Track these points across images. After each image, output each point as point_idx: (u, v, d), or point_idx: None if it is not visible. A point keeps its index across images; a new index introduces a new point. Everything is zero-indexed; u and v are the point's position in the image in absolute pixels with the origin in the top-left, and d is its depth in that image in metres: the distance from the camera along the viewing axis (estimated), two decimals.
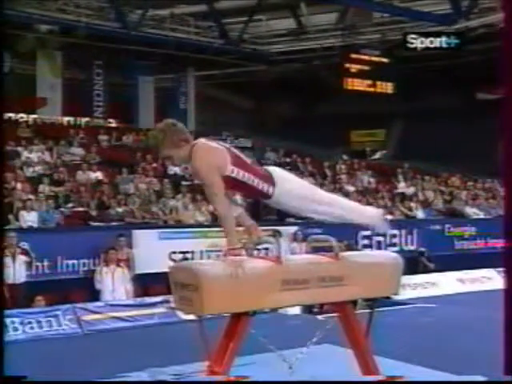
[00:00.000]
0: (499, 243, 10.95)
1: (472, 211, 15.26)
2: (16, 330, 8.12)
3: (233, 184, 3.48)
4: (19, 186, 11.43)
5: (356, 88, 18.57)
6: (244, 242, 3.58)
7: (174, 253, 10.41)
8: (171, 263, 8.90)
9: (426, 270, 12.32)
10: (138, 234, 10.39)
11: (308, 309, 8.86)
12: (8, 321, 8.05)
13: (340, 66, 18.59)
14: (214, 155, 3.47)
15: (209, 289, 3.30)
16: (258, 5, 19.06)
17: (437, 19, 17.67)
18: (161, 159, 3.53)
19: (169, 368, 5.93)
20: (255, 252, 3.80)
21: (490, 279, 11.72)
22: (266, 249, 6.93)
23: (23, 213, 10.40)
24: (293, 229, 11.56)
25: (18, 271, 8.97)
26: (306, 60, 20.03)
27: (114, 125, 20.07)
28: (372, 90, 18.85)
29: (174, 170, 14.64)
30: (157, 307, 9.07)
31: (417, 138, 19.28)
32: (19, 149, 13.77)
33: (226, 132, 19.03)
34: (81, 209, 11.40)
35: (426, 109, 19.18)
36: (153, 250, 10.20)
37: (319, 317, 8.22)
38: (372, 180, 16.69)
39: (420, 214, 14.69)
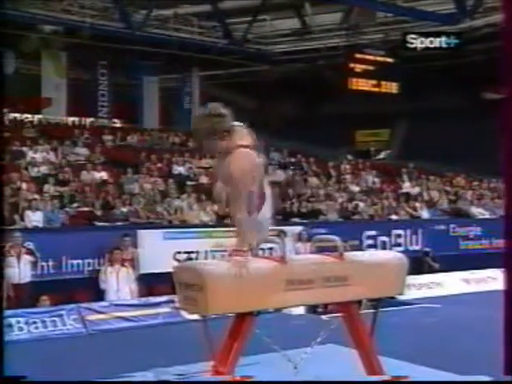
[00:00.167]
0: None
1: (477, 211, 15.22)
2: (21, 329, 8.14)
3: None
4: (24, 185, 11.47)
5: (360, 88, 18.56)
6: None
7: (179, 253, 10.41)
8: (176, 263, 8.91)
9: (431, 270, 12.29)
10: (143, 234, 10.40)
11: (312, 309, 8.85)
12: (13, 320, 8.08)
13: (344, 66, 18.57)
14: (255, 166, 3.45)
15: (213, 289, 3.31)
16: (262, 5, 19.07)
17: (441, 19, 17.64)
18: (197, 143, 3.38)
19: (173, 368, 5.93)
20: (260, 252, 3.80)
21: (495, 279, 11.67)
22: (271, 249, 6.94)
23: (28, 213, 10.43)
24: (297, 229, 11.55)
25: (23, 271, 8.99)
26: (311, 60, 20.02)
27: (118, 125, 20.12)
28: (376, 89, 18.83)
29: (178, 169, 14.66)
30: (161, 307, 9.07)
31: (421, 138, 19.23)
32: (24, 149, 13.81)
33: None
34: (86, 209, 11.42)
35: (430, 109, 19.14)
36: (157, 250, 10.21)
37: (323, 317, 8.21)
38: (377, 180, 16.67)
39: (425, 214, 14.67)
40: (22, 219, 10.37)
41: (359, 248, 10.93)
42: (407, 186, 16.37)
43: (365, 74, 18.62)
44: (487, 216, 15.00)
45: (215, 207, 11.39)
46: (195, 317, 3.48)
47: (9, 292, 8.75)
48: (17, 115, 18.03)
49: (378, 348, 3.85)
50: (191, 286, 3.41)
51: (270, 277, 3.46)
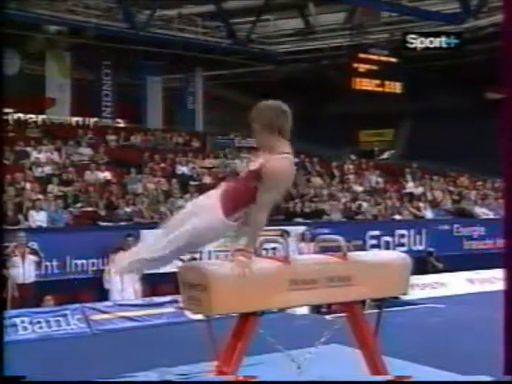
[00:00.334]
0: None
1: (481, 211, 15.19)
2: (25, 329, 8.16)
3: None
4: (28, 185, 11.50)
5: (364, 88, 18.55)
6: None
7: None
8: (179, 263, 8.91)
9: (435, 270, 12.27)
10: (147, 234, 10.39)
11: (316, 309, 8.85)
12: (17, 320, 8.10)
13: (348, 66, 18.57)
14: (291, 177, 3.40)
15: (217, 289, 3.31)
16: (265, 5, 19.07)
17: (445, 18, 17.63)
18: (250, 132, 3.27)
19: (177, 368, 5.94)
20: (263, 252, 3.80)
21: (500, 280, 11.65)
22: (274, 249, 6.94)
23: (32, 212, 10.45)
24: (301, 229, 11.55)
25: (27, 271, 9.01)
26: (314, 60, 20.01)
27: (122, 125, 20.15)
28: (380, 89, 18.82)
29: (182, 169, 14.68)
30: (165, 307, 9.08)
31: (425, 138, 19.21)
32: (28, 149, 13.85)
33: (233, 132, 19.05)
34: (89, 209, 11.45)
35: (434, 108, 19.12)
36: None
37: (327, 317, 8.21)
38: (380, 180, 16.65)
39: (428, 214, 14.65)
40: (26, 219, 10.39)
41: (363, 248, 10.93)
42: (411, 186, 16.35)
43: (368, 74, 18.61)
44: (491, 216, 14.96)
45: None
46: (199, 317, 3.48)
47: (13, 292, 8.79)
48: (21, 115, 18.07)
49: (381, 348, 3.85)
50: (195, 286, 3.41)
51: (274, 277, 3.46)
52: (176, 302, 8.53)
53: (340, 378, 3.85)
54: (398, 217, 14.11)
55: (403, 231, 13.14)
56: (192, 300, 3.47)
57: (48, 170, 13.01)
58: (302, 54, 19.97)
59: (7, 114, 17.28)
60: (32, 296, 8.99)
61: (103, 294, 9.58)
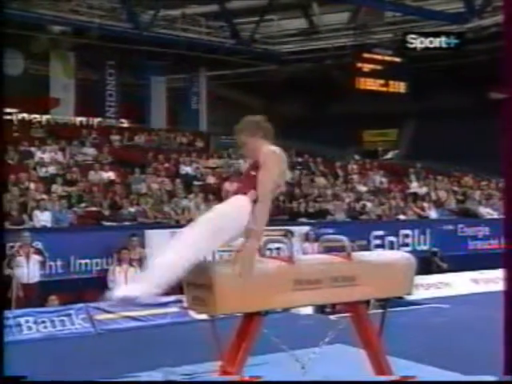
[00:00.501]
0: None
1: (485, 211, 15.15)
2: (30, 329, 8.17)
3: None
4: (33, 185, 11.52)
5: (368, 87, 18.52)
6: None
7: None
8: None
9: (439, 270, 12.25)
10: (151, 234, 10.41)
11: (320, 309, 8.85)
12: (22, 320, 8.12)
13: (352, 66, 18.54)
14: (284, 158, 3.60)
15: (221, 289, 3.31)
16: (269, 4, 19.06)
17: (449, 18, 17.59)
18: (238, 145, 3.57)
19: (181, 368, 5.94)
20: (267, 252, 3.80)
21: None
22: (278, 249, 6.94)
23: (37, 212, 10.47)
24: (305, 229, 11.54)
25: (31, 271, 9.03)
26: (318, 60, 19.99)
27: (126, 125, 20.17)
28: (384, 89, 18.79)
29: (185, 169, 14.69)
30: (169, 307, 9.08)
31: (429, 138, 19.18)
32: (32, 149, 13.88)
33: None
34: (93, 208, 11.46)
35: (438, 108, 19.08)
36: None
37: (331, 317, 8.21)
38: (384, 180, 16.63)
39: (433, 214, 14.62)
40: (31, 219, 10.42)
41: (367, 248, 10.91)
42: (415, 186, 16.33)
43: (372, 74, 18.58)
44: (495, 216, 14.93)
45: None
46: (203, 317, 3.49)
47: (18, 292, 8.81)
48: (25, 115, 18.11)
49: (386, 348, 3.85)
50: (199, 285, 3.42)
51: (278, 277, 3.47)
52: (180, 301, 8.52)
53: (344, 378, 3.85)
54: (402, 217, 14.09)
55: (407, 231, 13.12)
56: (196, 300, 3.48)
57: (52, 169, 13.03)
58: (306, 54, 19.95)
59: (11, 114, 17.33)
60: (36, 296, 9.01)
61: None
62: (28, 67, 18.23)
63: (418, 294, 7.62)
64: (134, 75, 20.47)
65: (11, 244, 8.97)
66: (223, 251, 10.30)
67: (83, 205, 11.49)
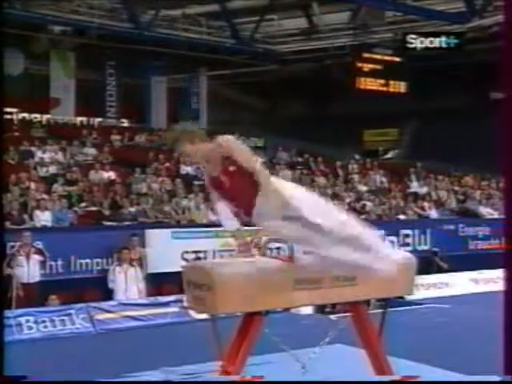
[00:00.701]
0: None
1: (486, 211, 15.15)
2: (30, 328, 8.18)
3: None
4: (33, 185, 11.53)
5: (368, 87, 18.50)
6: (255, 240, 3.57)
7: (187, 252, 10.42)
8: (184, 263, 8.92)
9: (440, 270, 12.25)
10: (151, 234, 10.42)
11: (321, 308, 8.85)
12: (22, 319, 8.13)
13: (352, 66, 18.52)
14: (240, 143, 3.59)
15: (222, 288, 3.31)
16: (269, 4, 19.04)
17: (450, 18, 17.56)
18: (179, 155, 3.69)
19: (182, 367, 5.95)
20: (268, 252, 3.80)
21: None
22: (279, 248, 6.94)
23: (37, 212, 10.48)
24: None
25: (32, 270, 9.04)
26: (318, 59, 19.98)
27: (126, 125, 20.17)
28: (385, 89, 18.77)
29: (186, 169, 14.68)
30: (169, 306, 9.10)
31: (430, 138, 19.17)
32: (33, 149, 13.88)
33: (237, 131, 19.02)
34: (94, 208, 11.47)
35: (439, 108, 19.07)
36: (165, 250, 10.23)
37: (332, 316, 8.21)
38: (384, 180, 16.63)
39: (433, 213, 14.62)
40: (31, 219, 10.42)
41: None
42: (415, 186, 16.32)
43: (373, 74, 18.57)
44: (496, 216, 14.92)
45: None
46: (203, 316, 3.49)
47: (18, 291, 8.82)
48: (25, 115, 18.11)
49: (386, 348, 3.84)
50: (200, 285, 3.42)
51: (279, 276, 3.47)
52: (180, 301, 8.53)
53: (344, 377, 3.84)
54: (402, 217, 14.09)
55: (408, 231, 13.11)
56: (197, 299, 3.48)
57: (53, 169, 13.04)
58: (306, 54, 19.93)
59: (11, 113, 17.33)
60: (37, 295, 9.02)
61: (108, 294, 9.60)
62: (28, 67, 18.23)
63: (418, 294, 7.63)
64: (135, 75, 20.46)
65: (12, 244, 8.97)
66: (224, 250, 10.36)
67: (84, 204, 11.49)
